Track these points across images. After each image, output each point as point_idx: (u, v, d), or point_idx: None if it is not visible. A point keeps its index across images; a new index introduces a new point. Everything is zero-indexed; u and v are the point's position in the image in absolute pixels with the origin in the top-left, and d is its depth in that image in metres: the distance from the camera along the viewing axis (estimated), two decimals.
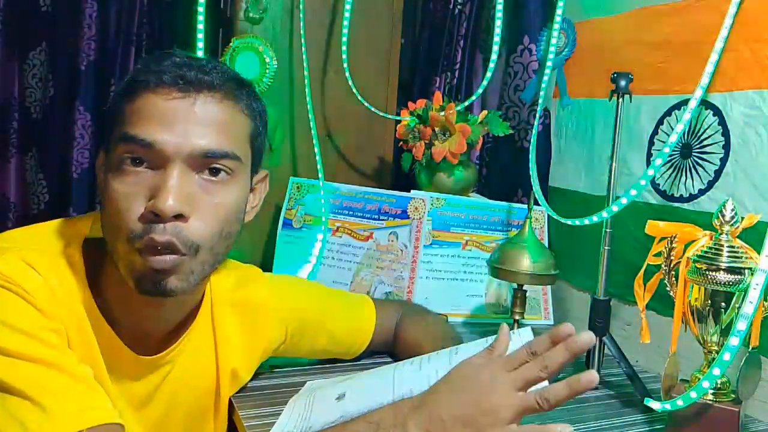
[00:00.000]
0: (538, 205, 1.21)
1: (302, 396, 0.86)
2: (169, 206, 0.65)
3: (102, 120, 1.49)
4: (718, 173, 1.04)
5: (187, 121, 0.68)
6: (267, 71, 1.44)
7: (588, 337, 0.63)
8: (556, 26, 1.33)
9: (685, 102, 1.07)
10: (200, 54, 1.33)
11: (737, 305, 0.80)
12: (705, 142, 1.06)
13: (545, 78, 1.36)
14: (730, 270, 0.80)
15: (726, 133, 1.03)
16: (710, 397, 0.82)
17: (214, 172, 0.70)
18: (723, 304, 0.82)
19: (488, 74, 1.48)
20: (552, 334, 0.64)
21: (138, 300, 0.73)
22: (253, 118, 0.75)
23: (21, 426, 0.60)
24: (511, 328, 1.08)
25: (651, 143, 1.17)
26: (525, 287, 1.12)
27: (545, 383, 0.63)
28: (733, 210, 0.82)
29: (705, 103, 1.05)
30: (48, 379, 0.63)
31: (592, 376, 0.61)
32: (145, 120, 0.68)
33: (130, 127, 0.68)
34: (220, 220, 0.71)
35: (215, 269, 0.76)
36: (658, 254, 0.89)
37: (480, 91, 1.50)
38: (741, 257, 0.80)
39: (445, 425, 0.61)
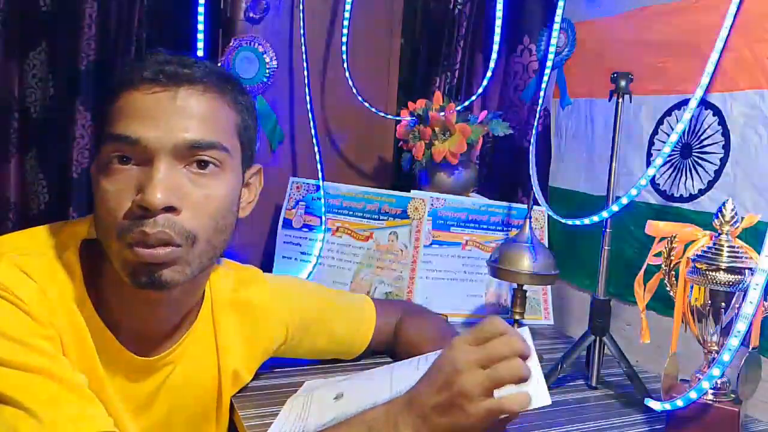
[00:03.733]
0: (538, 205, 1.21)
1: (300, 396, 0.86)
2: (157, 199, 0.65)
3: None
4: (718, 173, 1.04)
5: (170, 114, 0.68)
6: (267, 71, 1.44)
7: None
8: (556, 26, 1.33)
9: (685, 102, 1.07)
10: (200, 54, 1.33)
11: (737, 305, 0.80)
12: (705, 142, 1.06)
13: (545, 78, 1.36)
14: (730, 270, 0.80)
15: (726, 133, 1.03)
16: (710, 397, 0.82)
17: (202, 165, 0.70)
18: (723, 304, 0.82)
19: (488, 74, 1.48)
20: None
21: (137, 299, 0.73)
22: (239, 112, 0.75)
23: None
24: None
25: (651, 143, 1.17)
26: (525, 287, 1.12)
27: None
28: (733, 210, 0.82)
29: (705, 103, 1.05)
30: (42, 388, 0.63)
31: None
32: (128, 117, 0.68)
33: (114, 126, 0.68)
34: (213, 213, 0.70)
35: (212, 264, 0.76)
36: (658, 254, 0.89)
37: (480, 91, 1.50)
38: (741, 257, 0.80)
39: (430, 417, 0.62)
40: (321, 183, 1.42)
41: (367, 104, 1.48)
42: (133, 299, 0.73)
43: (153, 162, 0.67)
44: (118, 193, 0.67)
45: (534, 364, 0.67)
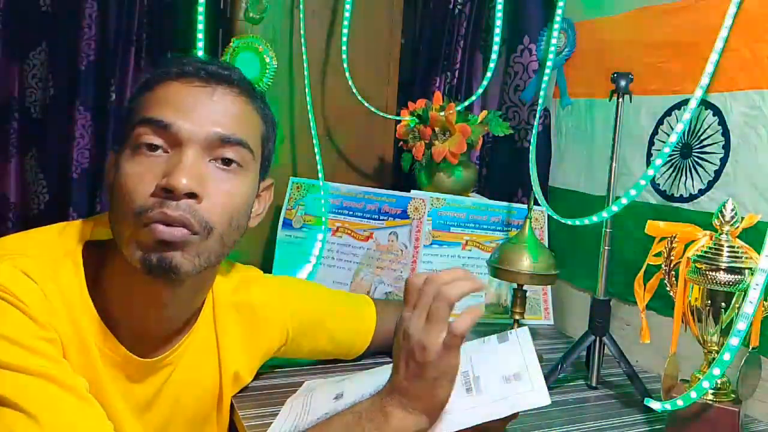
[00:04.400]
0: (538, 205, 1.21)
1: (300, 396, 0.86)
2: (183, 183, 0.66)
3: (103, 120, 1.49)
4: (718, 173, 1.04)
5: (205, 108, 0.70)
6: (267, 71, 1.44)
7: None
8: (556, 26, 1.33)
9: (685, 102, 1.07)
10: (200, 54, 1.33)
11: (737, 305, 0.80)
12: (705, 142, 1.06)
13: (545, 78, 1.36)
14: (730, 270, 0.80)
15: (726, 133, 1.03)
16: (710, 397, 0.82)
17: (227, 162, 0.71)
18: (723, 304, 0.82)
19: (488, 74, 1.48)
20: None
21: (142, 300, 0.73)
22: (265, 123, 0.78)
23: None
24: (511, 328, 1.09)
25: (651, 143, 1.17)
26: (525, 287, 1.12)
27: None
28: (733, 210, 0.82)
29: (705, 103, 1.05)
30: (42, 391, 0.62)
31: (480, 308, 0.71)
32: (164, 104, 0.70)
33: (149, 110, 0.70)
34: (231, 209, 0.71)
35: (219, 263, 0.76)
36: (658, 254, 0.89)
37: (480, 91, 1.50)
38: (741, 257, 0.80)
39: (408, 390, 0.67)
40: (321, 183, 1.42)
41: (367, 104, 1.48)
42: (139, 299, 0.73)
43: (182, 148, 0.68)
44: (142, 175, 0.68)
45: (534, 364, 0.67)
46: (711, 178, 1.05)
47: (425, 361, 0.66)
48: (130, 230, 0.68)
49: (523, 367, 0.69)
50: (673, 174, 1.12)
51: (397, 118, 1.50)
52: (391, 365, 0.82)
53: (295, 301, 0.95)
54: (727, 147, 1.03)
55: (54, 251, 0.71)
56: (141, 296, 0.73)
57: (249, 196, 0.75)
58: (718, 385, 0.83)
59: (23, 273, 0.67)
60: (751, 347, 0.81)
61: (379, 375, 0.79)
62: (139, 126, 0.69)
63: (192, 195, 0.67)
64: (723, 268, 0.80)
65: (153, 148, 0.69)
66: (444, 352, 0.65)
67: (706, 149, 1.06)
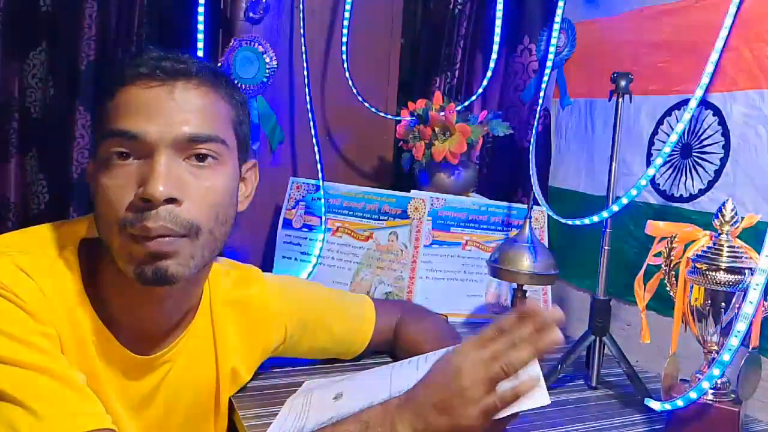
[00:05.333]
0: (538, 205, 1.21)
1: (299, 396, 0.86)
2: (159, 191, 0.66)
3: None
4: (718, 173, 1.04)
5: (168, 108, 0.69)
6: (267, 71, 1.44)
7: (558, 314, 0.64)
8: (556, 26, 1.33)
9: (685, 102, 1.07)
10: (200, 54, 1.33)
11: (737, 305, 0.80)
12: (705, 142, 1.06)
13: (545, 78, 1.36)
14: (730, 270, 0.80)
15: (726, 133, 1.03)
16: (710, 397, 0.82)
17: (201, 157, 0.70)
18: (723, 304, 0.82)
19: (488, 74, 1.48)
20: (519, 311, 0.65)
21: (138, 297, 0.73)
22: (234, 106, 0.76)
23: (13, 431, 0.60)
24: None
25: (651, 143, 1.17)
26: (525, 287, 1.12)
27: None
28: (733, 210, 0.82)
29: (705, 103, 1.05)
30: (40, 384, 0.63)
31: (555, 336, 0.63)
32: (126, 113, 0.69)
33: (113, 122, 0.69)
34: (214, 204, 0.71)
35: (214, 258, 0.77)
36: (658, 254, 0.89)
37: (480, 91, 1.50)
38: (741, 257, 0.80)
39: (427, 417, 0.62)
40: (321, 183, 1.42)
41: (367, 104, 1.48)
42: (135, 297, 0.73)
43: (153, 155, 0.67)
44: (119, 188, 0.68)
45: (533, 365, 0.67)
46: (711, 178, 1.05)
47: (463, 414, 0.61)
48: (117, 242, 0.68)
49: None
50: (673, 174, 1.12)
51: (397, 118, 1.50)
52: (390, 365, 0.82)
53: (294, 300, 0.95)
54: (727, 147, 1.03)
55: (50, 249, 0.72)
56: (137, 295, 0.73)
57: (231, 187, 0.74)
58: (718, 385, 0.83)
59: (20, 270, 0.67)
60: (751, 347, 0.81)
61: (379, 375, 0.79)
62: (107, 139, 0.69)
63: (171, 200, 0.67)
64: (723, 268, 0.80)
65: (124, 156, 0.68)
66: (482, 416, 0.61)
67: (706, 149, 1.06)
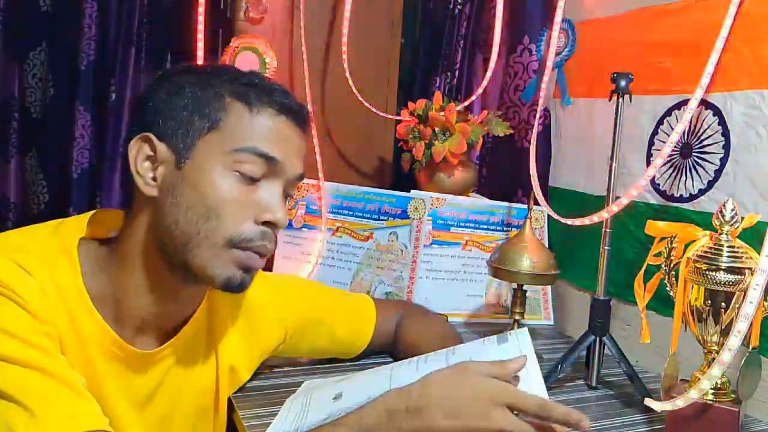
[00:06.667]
0: (538, 205, 1.21)
1: (299, 396, 0.86)
2: (285, 221, 0.75)
3: (103, 120, 1.49)
4: (718, 173, 1.04)
5: (296, 150, 0.77)
6: (267, 71, 1.44)
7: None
8: (556, 26, 1.33)
9: (685, 102, 1.07)
10: (200, 54, 1.33)
11: (737, 305, 0.80)
12: (705, 142, 1.06)
13: (545, 78, 1.36)
14: (730, 270, 0.80)
15: (726, 133, 1.03)
16: (710, 397, 0.82)
17: (287, 196, 0.78)
18: (723, 304, 0.82)
19: (488, 74, 1.48)
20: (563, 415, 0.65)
21: (166, 296, 0.76)
22: None
23: (9, 430, 0.60)
24: (511, 328, 1.09)
25: (651, 143, 1.17)
26: (525, 287, 1.12)
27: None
28: (733, 210, 0.82)
29: (705, 103, 1.05)
30: (38, 383, 0.63)
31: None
32: (276, 140, 0.74)
33: (262, 143, 0.73)
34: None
35: None
36: (658, 254, 0.89)
37: (480, 91, 1.50)
38: (741, 257, 0.80)
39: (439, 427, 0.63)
40: (321, 183, 1.42)
41: (367, 104, 1.48)
42: (162, 295, 0.75)
43: (277, 182, 0.75)
44: (240, 206, 0.72)
45: (533, 365, 0.67)
46: (711, 178, 1.05)
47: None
48: (219, 248, 0.71)
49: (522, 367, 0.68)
50: (673, 174, 1.12)
51: (397, 118, 1.50)
52: (390, 365, 0.82)
53: (294, 299, 0.95)
54: (727, 147, 1.03)
55: (50, 248, 0.72)
56: (157, 292, 0.75)
57: None
58: (718, 385, 0.83)
59: (21, 268, 0.67)
60: (751, 347, 0.81)
61: (379, 376, 0.79)
62: (247, 153, 0.72)
63: None
64: (723, 268, 0.80)
65: (254, 180, 0.73)
66: None
67: (706, 149, 1.06)
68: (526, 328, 0.75)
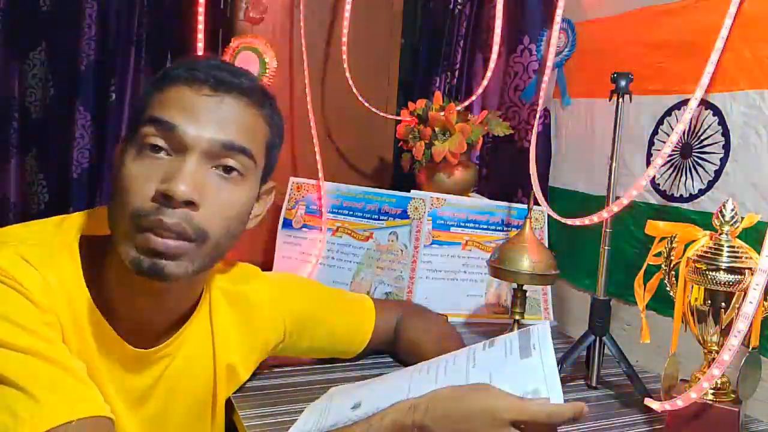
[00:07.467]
0: (538, 205, 1.21)
1: (320, 403, 0.85)
2: (182, 190, 0.66)
3: (103, 120, 1.50)
4: (718, 173, 1.04)
5: (212, 116, 0.70)
6: (267, 71, 1.44)
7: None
8: (556, 26, 1.33)
9: (685, 102, 1.07)
10: (202, 53, 1.33)
11: (737, 305, 0.80)
12: (705, 142, 1.06)
13: (545, 78, 1.36)
14: (730, 270, 0.80)
15: (726, 133, 1.03)
16: (710, 397, 0.82)
17: (228, 170, 0.71)
18: (723, 304, 0.82)
19: (488, 74, 1.48)
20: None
21: (137, 287, 0.73)
22: (272, 128, 0.78)
23: (12, 415, 0.60)
24: (511, 329, 1.09)
25: (651, 143, 1.17)
26: (525, 287, 1.12)
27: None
28: (733, 210, 0.82)
29: (705, 103, 1.05)
30: (40, 370, 0.63)
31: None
32: (172, 107, 0.70)
33: (157, 110, 0.70)
34: (228, 217, 0.72)
35: (213, 265, 0.77)
36: (658, 254, 0.89)
37: (480, 91, 1.50)
38: (741, 257, 0.80)
39: None
40: (321, 183, 1.42)
41: (367, 104, 1.48)
42: (134, 287, 0.74)
43: (185, 155, 0.69)
44: (143, 177, 0.68)
45: (554, 382, 0.65)
46: (711, 178, 1.05)
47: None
48: (125, 229, 0.69)
49: (542, 382, 0.67)
50: (673, 174, 1.12)
51: (397, 118, 1.50)
52: (409, 373, 0.79)
53: (293, 298, 0.95)
54: (727, 147, 1.03)
55: (52, 243, 0.72)
56: (136, 285, 0.73)
57: (247, 204, 0.76)
58: (718, 385, 0.83)
59: (23, 259, 0.68)
60: (751, 347, 0.81)
61: (396, 384, 0.77)
62: (145, 125, 0.70)
63: (189, 203, 0.68)
64: (723, 268, 0.80)
65: (156, 149, 0.69)
66: None
67: (706, 149, 1.06)
68: (548, 330, 0.74)
